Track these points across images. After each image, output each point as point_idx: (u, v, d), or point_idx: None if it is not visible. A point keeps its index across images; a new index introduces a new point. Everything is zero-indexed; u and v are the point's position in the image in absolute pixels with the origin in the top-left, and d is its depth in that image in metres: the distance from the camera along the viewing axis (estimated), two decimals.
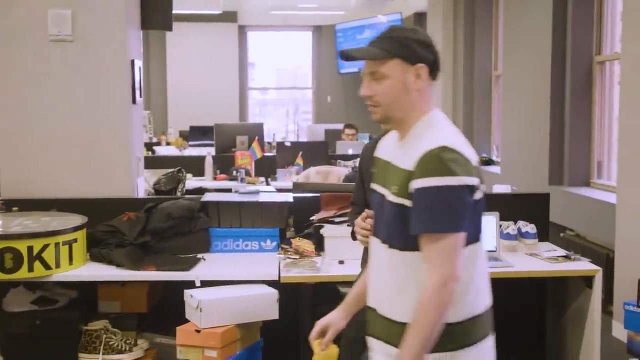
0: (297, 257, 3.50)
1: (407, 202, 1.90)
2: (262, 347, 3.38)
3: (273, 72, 13.98)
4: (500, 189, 4.61)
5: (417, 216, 1.87)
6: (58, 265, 3.35)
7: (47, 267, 3.32)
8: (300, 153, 6.79)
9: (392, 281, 1.97)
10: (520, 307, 3.94)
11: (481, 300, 1.99)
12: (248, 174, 6.51)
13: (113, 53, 3.98)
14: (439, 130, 1.95)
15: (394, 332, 1.96)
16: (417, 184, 1.87)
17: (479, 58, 9.13)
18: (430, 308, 1.84)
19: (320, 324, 2.21)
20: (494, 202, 3.96)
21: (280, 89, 13.95)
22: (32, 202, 3.85)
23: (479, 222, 1.96)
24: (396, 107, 1.99)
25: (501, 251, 3.72)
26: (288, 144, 7.55)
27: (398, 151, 2.00)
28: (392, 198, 1.94)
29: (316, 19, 12.32)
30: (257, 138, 6.98)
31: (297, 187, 4.86)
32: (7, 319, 3.46)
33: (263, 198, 3.91)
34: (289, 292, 3.33)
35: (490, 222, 3.68)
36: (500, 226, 3.79)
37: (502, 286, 3.52)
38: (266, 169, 6.85)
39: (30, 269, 3.29)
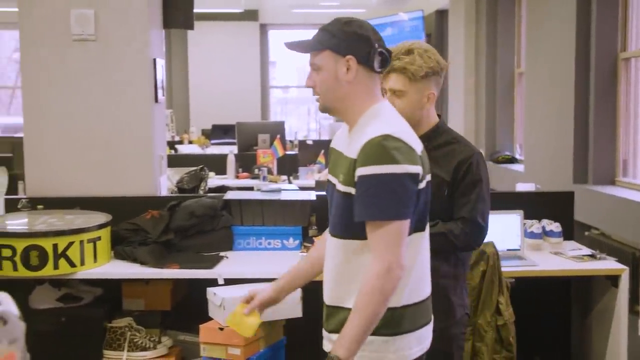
0: None
1: (353, 190, 1.94)
2: (285, 345, 3.38)
3: (294, 70, 13.99)
4: (523, 187, 4.57)
5: (361, 203, 1.90)
6: (82, 263, 3.38)
7: (72, 264, 3.34)
8: (322, 151, 6.79)
9: (334, 269, 2.03)
10: (545, 306, 3.90)
11: (421, 289, 2.04)
12: (270, 172, 6.51)
13: (135, 52, 3.99)
14: (383, 119, 1.98)
15: (330, 320, 2.03)
16: (360, 171, 1.90)
17: (501, 55, 9.06)
18: (375, 294, 1.86)
19: (250, 291, 2.34)
20: (517, 200, 3.94)
21: (302, 87, 13.94)
22: (56, 200, 3.88)
23: (423, 212, 2.00)
24: (331, 98, 2.04)
25: (525, 250, 3.69)
26: (310, 142, 7.55)
27: (347, 141, 2.04)
28: (339, 186, 1.99)
29: (337, 16, 12.30)
30: (278, 136, 6.99)
31: (319, 185, 4.86)
32: (33, 316, 3.49)
33: (285, 196, 3.91)
34: (312, 290, 3.30)
35: (514, 221, 3.65)
36: (524, 224, 3.75)
37: (526, 285, 3.52)
38: (288, 167, 6.86)
39: (56, 266, 3.31)
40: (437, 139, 2.58)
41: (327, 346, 2.05)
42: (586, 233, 5.91)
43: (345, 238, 1.99)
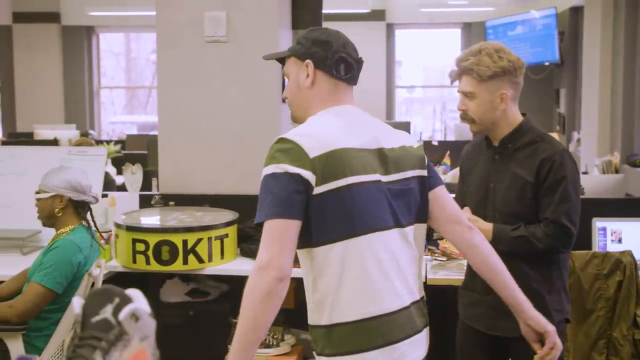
0: (444, 258, 3.43)
1: None
2: None
3: (420, 70, 13.85)
4: None
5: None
6: (210, 259, 3.47)
7: (200, 260, 3.44)
8: (448, 152, 6.68)
9: None
10: None
11: (363, 305, 1.85)
12: None
13: (264, 52, 4.04)
14: (304, 124, 1.93)
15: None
16: None
17: None
18: (247, 295, 1.76)
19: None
20: None
21: (427, 87, 13.80)
22: (186, 197, 4.01)
23: (335, 221, 1.83)
24: (295, 106, 2.02)
25: None
26: (435, 143, 7.46)
27: None
28: None
29: (465, 15, 12.07)
30: None
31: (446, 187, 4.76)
32: (163, 309, 3.62)
33: None
34: (435, 294, 3.26)
35: None
36: None
37: None
38: None
39: (185, 262, 3.42)
40: (521, 139, 2.51)
41: None
42: None
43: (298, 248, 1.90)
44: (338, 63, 1.97)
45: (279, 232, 1.77)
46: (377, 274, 1.86)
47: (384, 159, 1.93)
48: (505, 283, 2.07)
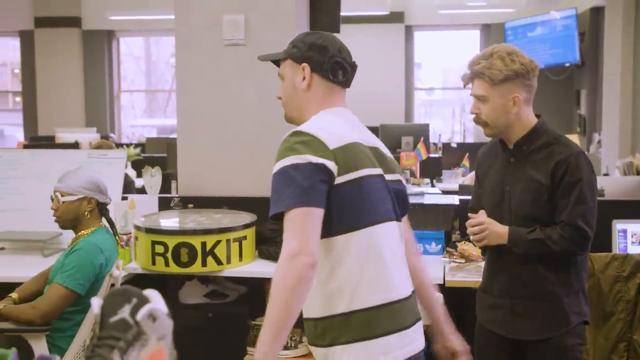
0: (463, 260, 3.42)
1: None
2: (425, 351, 3.33)
3: (439, 71, 13.81)
4: None
5: (271, 200, 1.85)
6: (229, 261, 3.48)
7: (219, 262, 3.45)
8: (467, 154, 6.65)
9: None
10: None
11: (378, 292, 1.89)
12: (413, 174, 6.45)
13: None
14: (309, 121, 1.98)
15: (306, 329, 1.98)
16: (273, 170, 1.88)
17: None
18: (278, 282, 1.75)
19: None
20: None
21: (446, 88, 13.76)
22: (205, 200, 4.03)
23: (353, 210, 1.87)
24: (290, 107, 2.08)
25: None
26: (454, 145, 7.43)
27: None
28: None
29: (484, 17, 12.02)
30: (422, 139, 6.90)
31: (463, 189, 4.76)
32: (183, 310, 3.64)
33: (428, 200, 3.87)
34: (453, 296, 3.25)
35: None
36: None
37: None
38: (431, 170, 6.77)
39: (204, 264, 3.43)
40: (536, 142, 2.50)
41: None
42: None
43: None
44: (334, 67, 2.04)
45: (305, 220, 1.81)
46: (391, 261, 1.94)
47: (381, 158, 2.03)
48: (433, 305, 2.19)
